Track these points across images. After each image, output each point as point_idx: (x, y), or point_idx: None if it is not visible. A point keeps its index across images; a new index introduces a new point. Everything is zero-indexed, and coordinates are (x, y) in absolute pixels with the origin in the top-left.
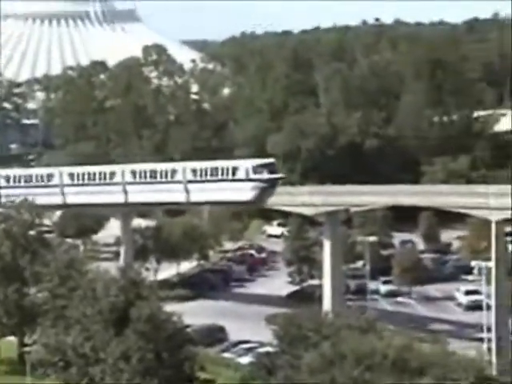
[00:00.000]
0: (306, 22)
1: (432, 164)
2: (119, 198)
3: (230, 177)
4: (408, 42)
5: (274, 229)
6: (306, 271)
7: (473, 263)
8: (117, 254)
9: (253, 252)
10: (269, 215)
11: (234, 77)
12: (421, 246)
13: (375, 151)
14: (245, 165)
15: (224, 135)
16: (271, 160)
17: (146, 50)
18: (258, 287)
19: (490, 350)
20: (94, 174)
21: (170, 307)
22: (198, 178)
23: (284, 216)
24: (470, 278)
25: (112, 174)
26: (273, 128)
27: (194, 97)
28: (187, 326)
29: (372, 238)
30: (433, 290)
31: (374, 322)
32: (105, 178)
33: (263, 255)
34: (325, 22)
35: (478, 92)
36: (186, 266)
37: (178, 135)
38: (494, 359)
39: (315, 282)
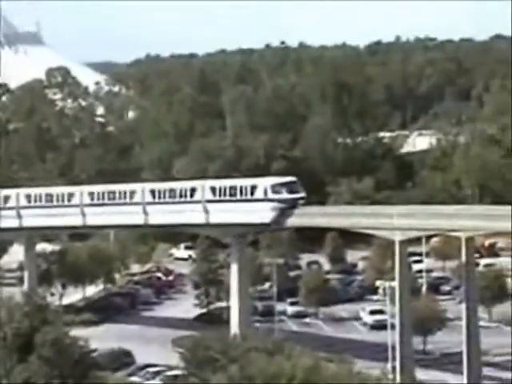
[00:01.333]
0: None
1: (338, 185)
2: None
3: (249, 196)
4: (312, 64)
5: (181, 252)
6: (213, 293)
7: (377, 283)
8: (21, 280)
9: (160, 275)
10: (176, 238)
11: (140, 99)
12: (327, 266)
13: (282, 173)
14: (263, 183)
15: (130, 158)
16: (292, 178)
17: (50, 72)
18: (166, 310)
19: (394, 368)
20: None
21: (75, 332)
22: (217, 198)
23: (191, 239)
24: (374, 297)
25: (132, 193)
26: (178, 151)
27: (98, 119)
28: (93, 351)
29: (279, 260)
30: (339, 310)
31: (282, 343)
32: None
33: (170, 278)
34: (230, 45)
35: (382, 114)
36: (92, 289)
37: (83, 158)
38: (398, 378)
39: (222, 304)
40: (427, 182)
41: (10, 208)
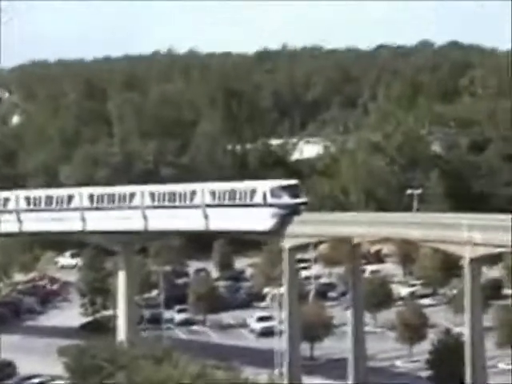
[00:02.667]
0: (97, 51)
1: None
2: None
3: (248, 201)
4: (200, 71)
5: (66, 259)
6: (99, 302)
7: (265, 290)
8: None
9: (45, 283)
10: (62, 246)
11: (24, 105)
12: (215, 273)
13: (171, 179)
14: (262, 187)
15: (15, 164)
16: (294, 181)
17: None
18: (51, 319)
19: (282, 374)
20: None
21: None
22: (217, 202)
23: (78, 246)
24: (262, 304)
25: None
26: (64, 157)
27: None
28: None
29: (167, 267)
30: (227, 317)
31: (169, 351)
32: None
33: (56, 286)
34: (116, 51)
35: (270, 121)
36: None
37: None
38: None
39: (109, 312)
40: (316, 189)
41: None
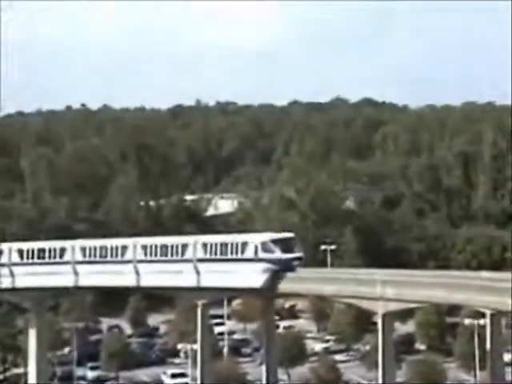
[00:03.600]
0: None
1: None
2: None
3: (239, 255)
4: (114, 126)
5: None
6: (10, 359)
7: (179, 346)
8: None
9: None
10: None
11: None
12: (128, 330)
13: (84, 235)
14: (254, 240)
15: None
16: (289, 234)
17: None
18: None
19: None
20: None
21: None
22: (208, 256)
23: None
24: (176, 360)
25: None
26: None
27: None
28: None
29: (79, 324)
30: (141, 374)
31: None
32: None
33: None
34: (29, 107)
35: (184, 177)
36: None
37: None
38: None
39: (20, 370)
40: None
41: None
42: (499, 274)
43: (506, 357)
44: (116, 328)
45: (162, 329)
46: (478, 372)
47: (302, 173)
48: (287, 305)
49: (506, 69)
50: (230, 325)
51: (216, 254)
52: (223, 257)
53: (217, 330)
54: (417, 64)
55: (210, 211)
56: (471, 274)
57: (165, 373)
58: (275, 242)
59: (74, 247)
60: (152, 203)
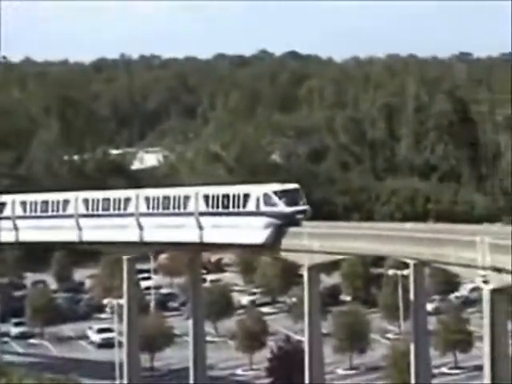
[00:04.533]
0: None
1: None
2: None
3: (241, 209)
4: (36, 79)
5: None
6: None
7: (105, 301)
8: None
9: None
10: None
11: None
12: (54, 285)
13: (6, 191)
14: (256, 192)
15: None
16: (294, 185)
17: None
18: None
19: None
20: None
21: None
22: (211, 210)
23: None
24: (102, 316)
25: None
26: None
27: None
28: None
29: (2, 279)
30: (66, 329)
31: (5, 365)
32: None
33: None
34: None
35: (109, 131)
36: None
37: None
38: None
39: None
40: None
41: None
42: (423, 225)
43: (429, 306)
44: (41, 283)
45: (88, 284)
46: (401, 322)
47: (227, 127)
48: (213, 258)
49: (429, 21)
50: (156, 279)
51: (218, 207)
52: (225, 210)
53: (143, 284)
54: (342, 16)
55: (136, 165)
56: (395, 226)
57: (91, 328)
58: (278, 193)
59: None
60: (76, 157)
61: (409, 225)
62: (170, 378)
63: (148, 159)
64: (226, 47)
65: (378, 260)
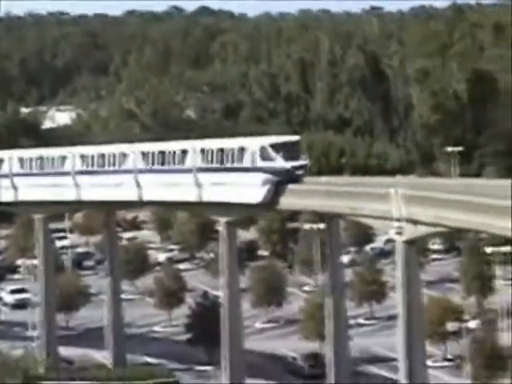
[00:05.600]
0: None
1: None
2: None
3: (237, 164)
4: None
5: None
6: None
7: (19, 261)
8: None
9: None
10: None
11: None
12: None
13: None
14: (252, 146)
15: None
16: (293, 137)
17: None
18: None
19: (37, 347)
20: None
21: None
22: (208, 165)
23: None
24: (16, 276)
25: None
26: None
27: None
28: None
29: None
30: None
31: None
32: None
33: None
34: None
35: (18, 89)
36: None
37: None
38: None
39: None
40: None
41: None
42: (338, 179)
43: (345, 259)
44: None
45: (1, 244)
46: (318, 275)
47: (141, 84)
48: (129, 216)
49: None
50: (72, 238)
51: (214, 162)
52: (221, 166)
53: (59, 243)
54: None
55: (47, 124)
56: (311, 179)
57: (2, 289)
58: (276, 147)
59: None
60: None
61: (324, 178)
62: (87, 337)
63: (60, 118)
64: (137, 4)
65: (294, 214)
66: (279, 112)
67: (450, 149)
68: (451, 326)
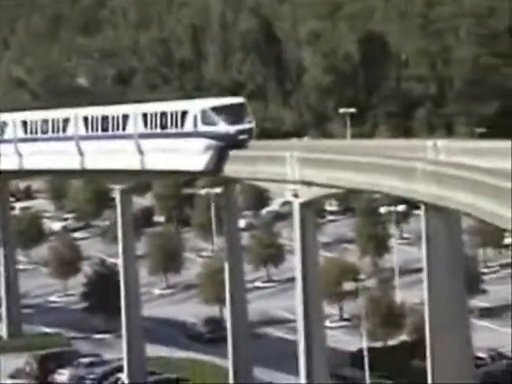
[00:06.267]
0: None
1: None
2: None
3: (179, 129)
4: None
5: None
6: None
7: None
8: None
9: None
10: None
11: None
12: None
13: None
14: (193, 109)
15: None
16: (237, 99)
17: None
18: None
19: None
20: None
21: None
22: (150, 131)
23: None
24: None
25: None
26: None
27: None
28: None
29: None
30: None
31: None
32: None
33: None
34: None
35: None
36: None
37: None
38: None
39: None
40: None
41: None
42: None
43: (242, 222)
44: None
45: None
46: (215, 239)
47: (29, 51)
48: (22, 185)
49: None
50: None
51: (156, 127)
52: (163, 131)
53: None
54: None
55: None
56: None
57: None
58: (218, 110)
59: None
60: None
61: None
62: None
63: None
64: None
65: (191, 180)
66: (172, 78)
67: (342, 110)
68: (348, 285)
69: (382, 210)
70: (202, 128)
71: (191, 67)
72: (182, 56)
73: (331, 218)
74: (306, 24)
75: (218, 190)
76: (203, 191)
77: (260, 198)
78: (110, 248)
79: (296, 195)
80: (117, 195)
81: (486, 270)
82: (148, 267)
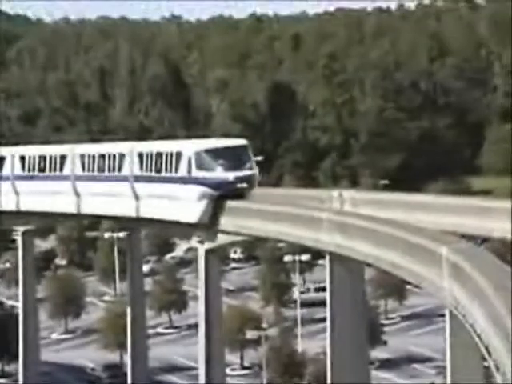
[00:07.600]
0: None
1: None
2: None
3: (173, 173)
4: None
5: None
6: None
7: None
8: None
9: None
10: None
11: None
12: None
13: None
14: (188, 151)
15: None
16: (238, 141)
17: None
18: None
19: None
20: None
21: None
22: (145, 173)
23: None
24: None
25: None
26: None
27: None
28: None
29: None
30: None
31: None
32: None
33: None
34: None
35: None
36: None
37: None
38: None
39: None
40: None
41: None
42: None
43: (145, 268)
44: None
45: None
46: (117, 284)
47: None
48: None
49: None
50: None
51: (152, 170)
52: (158, 174)
53: None
54: None
55: None
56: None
57: None
58: (214, 153)
59: None
60: None
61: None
62: None
63: None
64: None
65: (94, 224)
66: (78, 120)
67: None
68: (250, 334)
69: (286, 258)
70: (195, 173)
71: (98, 110)
72: (89, 98)
73: (235, 265)
74: (215, 71)
75: (121, 234)
76: (107, 235)
77: (164, 244)
78: (10, 290)
79: (202, 241)
80: (19, 237)
81: (386, 322)
82: (48, 311)
